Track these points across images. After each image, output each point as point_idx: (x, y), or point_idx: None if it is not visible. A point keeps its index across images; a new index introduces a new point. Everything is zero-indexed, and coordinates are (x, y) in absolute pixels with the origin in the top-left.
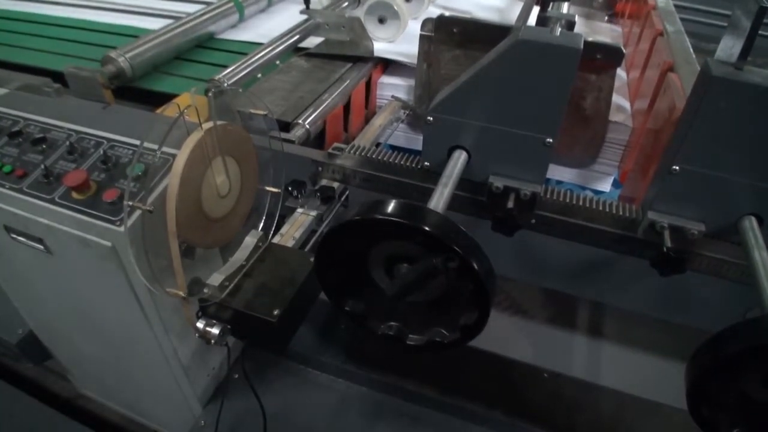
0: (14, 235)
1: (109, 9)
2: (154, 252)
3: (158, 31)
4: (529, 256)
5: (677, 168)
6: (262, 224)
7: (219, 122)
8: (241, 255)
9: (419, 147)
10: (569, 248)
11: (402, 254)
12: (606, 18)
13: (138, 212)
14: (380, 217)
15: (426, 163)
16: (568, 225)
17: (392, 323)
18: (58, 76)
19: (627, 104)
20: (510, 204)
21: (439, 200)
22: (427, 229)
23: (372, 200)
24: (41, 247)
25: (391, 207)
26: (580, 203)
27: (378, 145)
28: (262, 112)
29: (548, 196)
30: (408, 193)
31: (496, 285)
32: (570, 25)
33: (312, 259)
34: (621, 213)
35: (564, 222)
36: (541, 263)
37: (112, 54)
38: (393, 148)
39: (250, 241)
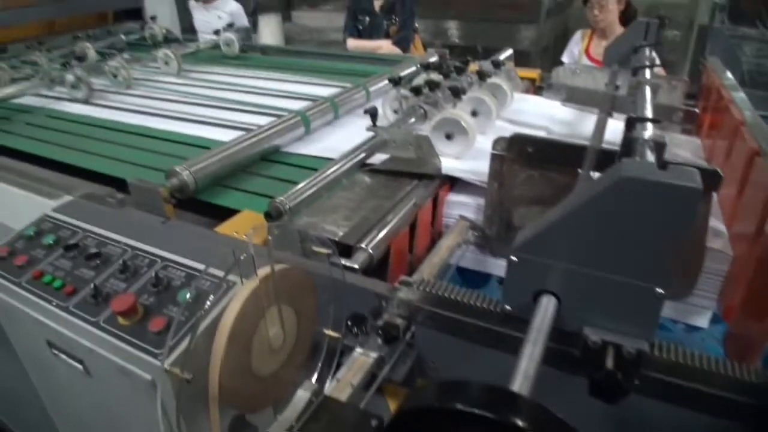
0: (55, 351)
1: (176, 118)
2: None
3: (225, 145)
4: (629, 420)
5: None
6: (316, 374)
7: (278, 266)
8: (290, 413)
9: (487, 269)
10: (679, 415)
11: None
12: (681, 129)
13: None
14: (461, 407)
15: (507, 307)
16: (680, 388)
17: None
18: (123, 184)
19: (722, 227)
20: (609, 363)
21: (529, 366)
22: (520, 424)
23: (448, 380)
24: (80, 367)
25: (474, 392)
26: (696, 363)
27: (448, 267)
28: (325, 251)
29: (654, 351)
30: (484, 337)
31: None
32: (660, 147)
33: (373, 423)
34: (747, 377)
35: (674, 384)
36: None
37: (177, 168)
38: (461, 270)
39: (302, 395)
